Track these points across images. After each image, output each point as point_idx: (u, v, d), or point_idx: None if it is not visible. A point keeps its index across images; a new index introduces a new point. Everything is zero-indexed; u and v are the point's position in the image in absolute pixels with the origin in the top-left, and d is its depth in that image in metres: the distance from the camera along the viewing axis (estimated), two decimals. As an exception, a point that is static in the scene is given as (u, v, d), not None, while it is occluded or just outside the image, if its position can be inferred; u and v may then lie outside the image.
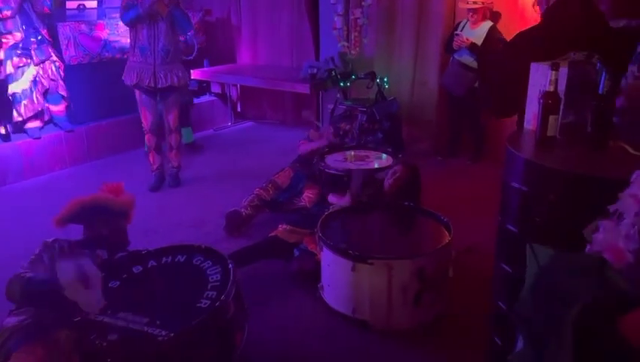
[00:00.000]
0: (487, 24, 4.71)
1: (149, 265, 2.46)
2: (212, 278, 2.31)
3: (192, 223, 3.99)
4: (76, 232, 2.50)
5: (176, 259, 2.49)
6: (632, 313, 0.97)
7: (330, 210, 3.23)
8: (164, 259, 2.50)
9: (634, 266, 1.08)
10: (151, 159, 4.69)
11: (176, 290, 2.32)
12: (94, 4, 5.51)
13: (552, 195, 1.67)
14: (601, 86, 1.72)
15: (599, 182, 1.57)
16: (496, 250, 2.00)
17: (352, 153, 3.99)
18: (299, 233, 3.28)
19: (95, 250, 2.43)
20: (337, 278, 2.76)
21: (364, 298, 2.66)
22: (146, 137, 4.61)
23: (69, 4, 5.33)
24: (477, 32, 4.70)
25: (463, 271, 3.05)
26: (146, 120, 4.49)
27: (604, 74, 1.70)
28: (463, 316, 2.77)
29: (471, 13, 4.72)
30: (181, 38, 4.77)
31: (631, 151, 1.70)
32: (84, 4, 5.45)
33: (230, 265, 2.34)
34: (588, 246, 1.35)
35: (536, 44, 2.38)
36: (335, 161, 3.89)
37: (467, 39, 4.64)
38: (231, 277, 2.24)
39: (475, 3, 4.66)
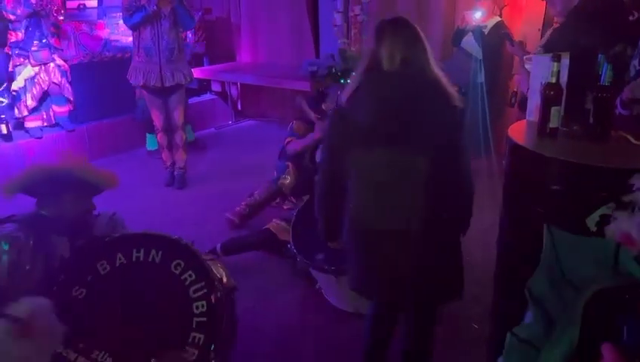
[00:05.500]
0: (495, 19, 4.72)
1: (118, 263, 1.94)
2: (197, 307, 1.83)
3: (192, 221, 4.00)
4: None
5: (150, 258, 1.95)
6: None
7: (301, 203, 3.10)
8: (134, 254, 1.95)
9: None
10: (164, 157, 4.73)
11: (155, 314, 1.85)
12: (94, 3, 5.49)
13: (555, 185, 1.68)
14: (602, 77, 1.72)
15: (602, 171, 1.59)
16: (498, 242, 2.01)
17: None
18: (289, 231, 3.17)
19: (50, 235, 1.89)
20: (329, 287, 2.77)
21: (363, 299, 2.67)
22: (158, 136, 4.65)
23: (70, 4, 5.32)
24: (485, 28, 4.71)
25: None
26: (157, 119, 4.52)
27: (605, 65, 1.71)
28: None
29: (481, 2, 4.69)
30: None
31: (633, 141, 1.71)
32: (84, 4, 5.44)
33: (219, 291, 1.87)
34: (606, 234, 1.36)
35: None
36: None
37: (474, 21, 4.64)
38: (222, 311, 1.83)
39: None
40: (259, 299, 2.92)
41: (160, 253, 1.93)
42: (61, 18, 4.99)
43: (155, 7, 4.06)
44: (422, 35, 1.77)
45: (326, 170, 1.84)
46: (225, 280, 2.07)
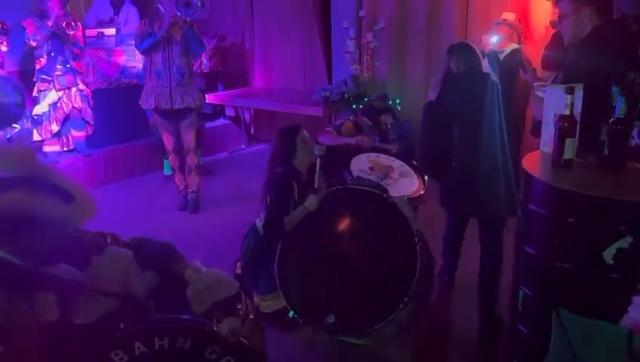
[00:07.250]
0: (512, 46, 4.72)
1: (137, 352, 1.60)
2: None
3: (205, 246, 4.01)
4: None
5: (177, 345, 1.62)
6: None
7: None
8: (157, 343, 1.61)
9: None
10: (177, 180, 4.78)
11: None
12: (113, 31, 5.66)
13: (571, 218, 1.68)
14: (617, 108, 1.73)
15: (617, 204, 1.58)
16: (514, 273, 2.00)
17: (376, 158, 3.42)
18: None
19: (35, 293, 1.36)
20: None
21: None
22: (170, 158, 4.74)
23: (89, 32, 5.47)
24: (502, 53, 4.71)
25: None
26: (168, 142, 4.62)
27: (619, 98, 1.72)
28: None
29: (499, 27, 4.68)
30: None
31: (648, 173, 1.71)
32: (102, 32, 5.61)
33: None
34: (622, 321, 1.34)
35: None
36: (360, 170, 3.31)
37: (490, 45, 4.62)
38: None
39: (504, 21, 4.65)
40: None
41: (189, 340, 1.62)
42: (74, 30, 4.98)
43: (165, 34, 4.18)
44: (476, 50, 2.75)
45: (430, 145, 2.85)
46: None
